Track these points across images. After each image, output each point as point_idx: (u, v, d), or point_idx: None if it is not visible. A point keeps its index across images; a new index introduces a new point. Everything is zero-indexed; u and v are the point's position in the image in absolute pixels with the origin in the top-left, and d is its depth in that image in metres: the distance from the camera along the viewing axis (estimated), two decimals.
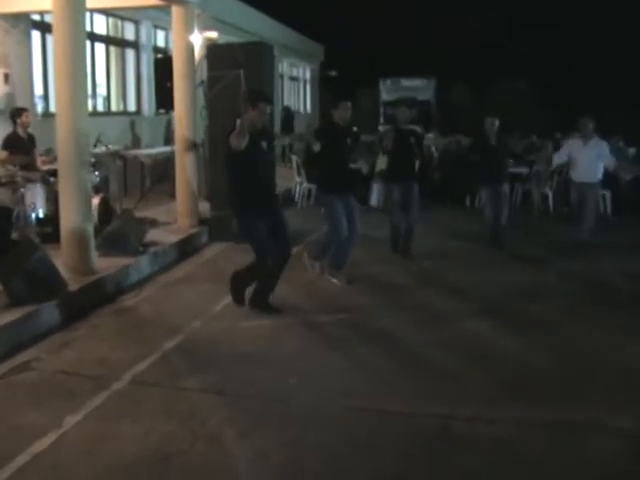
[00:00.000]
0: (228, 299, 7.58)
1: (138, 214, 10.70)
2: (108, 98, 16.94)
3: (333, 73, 37.24)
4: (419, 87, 27.47)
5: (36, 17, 13.30)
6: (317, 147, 8.08)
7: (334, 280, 8.44)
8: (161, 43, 19.03)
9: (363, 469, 4.39)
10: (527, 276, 9.08)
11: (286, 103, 27.66)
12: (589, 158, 10.56)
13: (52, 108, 12.97)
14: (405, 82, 27.92)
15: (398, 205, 9.80)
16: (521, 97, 23.74)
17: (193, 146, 11.13)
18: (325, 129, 8.72)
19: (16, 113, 10.46)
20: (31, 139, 10.51)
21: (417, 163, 10.05)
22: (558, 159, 11.31)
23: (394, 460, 4.48)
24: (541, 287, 8.60)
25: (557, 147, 14.94)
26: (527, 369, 5.95)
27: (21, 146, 10.21)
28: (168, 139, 15.13)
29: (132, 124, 16.47)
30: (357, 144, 8.86)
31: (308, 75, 34.51)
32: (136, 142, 16.16)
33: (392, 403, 5.26)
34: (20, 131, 10.37)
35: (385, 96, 27.59)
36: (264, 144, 7.10)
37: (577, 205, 10.90)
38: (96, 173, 10.42)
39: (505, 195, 10.53)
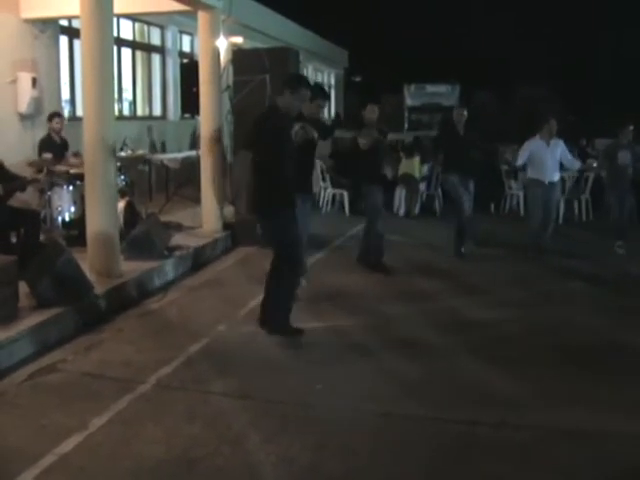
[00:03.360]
0: (253, 303, 7.58)
1: (163, 218, 10.75)
2: (134, 102, 17.05)
3: (357, 78, 37.30)
4: (443, 93, 27.41)
5: (64, 22, 13.40)
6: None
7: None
8: (187, 48, 19.15)
9: (387, 475, 4.37)
10: (554, 282, 9.06)
11: None
12: (554, 158, 10.42)
13: (79, 112, 13.08)
14: (430, 88, 27.87)
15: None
16: (544, 104, 23.65)
17: (217, 140, 11.11)
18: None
19: (49, 117, 10.58)
20: (64, 143, 10.61)
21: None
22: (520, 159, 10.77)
23: (418, 466, 4.46)
24: (568, 293, 8.55)
25: (582, 154, 14.89)
26: (553, 374, 5.91)
27: (54, 150, 10.31)
28: (194, 144, 15.18)
29: (158, 128, 16.55)
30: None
31: (332, 80, 34.54)
32: (161, 146, 16.25)
33: (416, 408, 5.25)
34: (53, 135, 10.48)
35: (409, 101, 27.54)
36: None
37: (543, 208, 10.42)
38: (122, 177, 10.48)
39: (471, 191, 10.38)
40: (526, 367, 6.08)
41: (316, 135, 7.34)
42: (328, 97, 7.77)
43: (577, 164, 11.14)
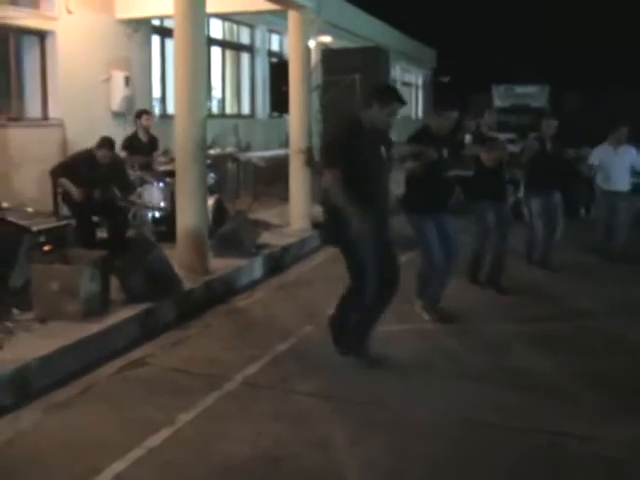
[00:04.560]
0: None
1: (251, 216, 10.82)
2: (223, 101, 17.24)
3: (446, 79, 36.96)
4: (533, 94, 26.89)
5: (156, 22, 13.65)
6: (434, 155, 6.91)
7: (425, 316, 7.37)
8: (275, 47, 19.26)
9: None
10: (633, 291, 8.73)
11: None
12: (622, 165, 10.08)
13: (169, 110, 13.30)
14: (519, 89, 27.38)
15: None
16: (636, 102, 23.03)
17: (309, 160, 11.15)
18: (419, 135, 7.32)
19: (138, 115, 10.79)
20: (153, 141, 10.78)
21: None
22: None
23: (503, 477, 4.37)
24: None
25: None
26: None
27: (140, 147, 10.50)
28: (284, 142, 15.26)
29: (246, 127, 16.69)
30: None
31: (420, 81, 34.31)
32: (249, 145, 16.38)
33: (503, 417, 5.14)
34: (140, 133, 10.67)
35: (498, 102, 27.11)
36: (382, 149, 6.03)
37: (608, 218, 10.24)
38: (211, 174, 10.59)
39: (558, 205, 9.68)
40: (612, 379, 5.89)
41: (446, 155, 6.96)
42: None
43: None
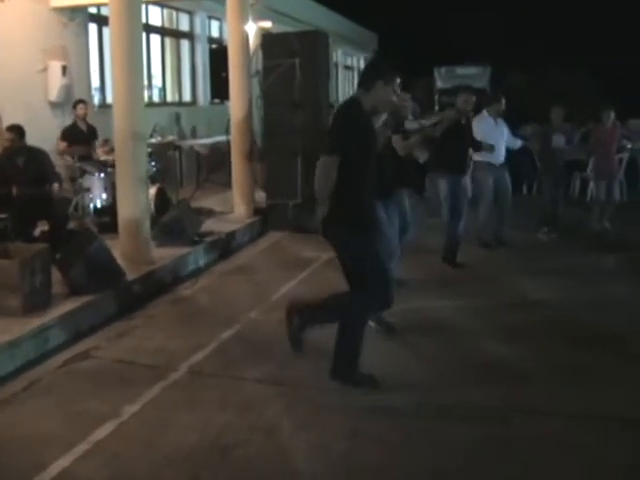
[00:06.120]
0: (285, 289, 7.55)
1: (194, 204, 10.76)
2: (164, 89, 17.06)
3: (388, 62, 37.03)
4: (474, 75, 27.10)
5: (93, 10, 13.43)
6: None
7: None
8: (215, 33, 19.12)
9: (422, 463, 4.32)
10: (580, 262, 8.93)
11: (340, 92, 27.66)
12: (502, 138, 9.91)
13: (109, 99, 13.12)
14: (460, 70, 27.60)
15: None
16: (577, 84, 23.34)
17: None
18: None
19: (73, 105, 10.70)
20: (92, 130, 10.68)
21: None
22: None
23: (453, 454, 4.40)
24: (595, 273, 8.45)
25: None
26: (587, 363, 5.79)
27: (79, 137, 10.37)
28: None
29: (188, 114, 16.56)
30: None
31: (362, 64, 34.35)
32: (191, 132, 16.25)
33: (450, 396, 5.18)
34: (79, 123, 10.56)
35: (440, 84, 27.30)
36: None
37: (499, 193, 9.94)
38: (152, 163, 10.50)
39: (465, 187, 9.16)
40: (558, 354, 5.98)
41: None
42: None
43: (518, 143, 10.48)
